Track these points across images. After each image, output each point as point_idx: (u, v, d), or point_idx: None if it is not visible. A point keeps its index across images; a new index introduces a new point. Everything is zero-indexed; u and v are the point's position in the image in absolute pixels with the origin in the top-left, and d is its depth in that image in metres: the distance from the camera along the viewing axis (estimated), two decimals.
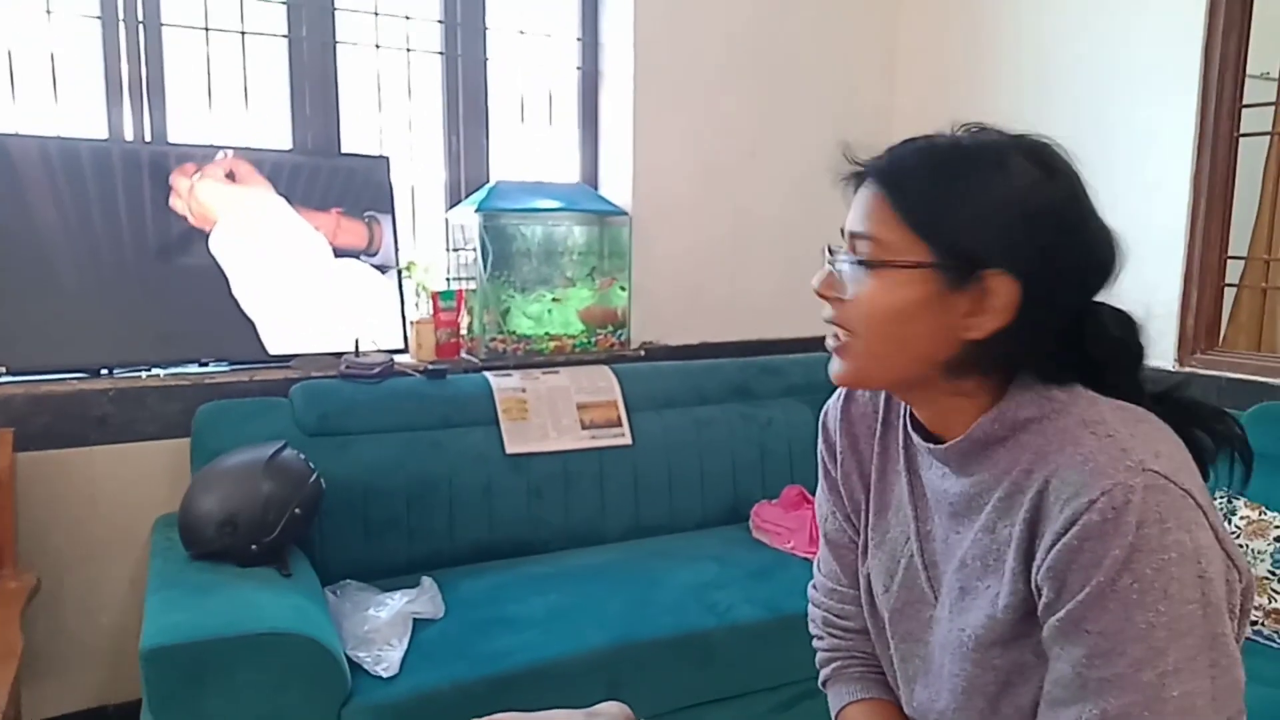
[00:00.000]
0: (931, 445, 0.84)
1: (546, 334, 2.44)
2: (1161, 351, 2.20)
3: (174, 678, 1.38)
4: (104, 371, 2.00)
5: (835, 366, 0.82)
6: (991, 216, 0.74)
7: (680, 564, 2.05)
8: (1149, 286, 2.22)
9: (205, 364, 2.12)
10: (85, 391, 1.94)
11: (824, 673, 1.03)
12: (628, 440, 2.27)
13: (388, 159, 2.35)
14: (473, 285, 2.38)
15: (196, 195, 2.09)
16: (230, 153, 2.14)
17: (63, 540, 1.94)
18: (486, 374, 2.24)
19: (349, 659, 1.59)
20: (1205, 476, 0.77)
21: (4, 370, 1.88)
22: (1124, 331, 0.79)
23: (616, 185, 2.63)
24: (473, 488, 2.10)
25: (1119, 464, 0.69)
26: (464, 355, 2.37)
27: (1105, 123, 2.32)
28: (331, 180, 2.25)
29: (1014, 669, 0.77)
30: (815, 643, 1.06)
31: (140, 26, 2.10)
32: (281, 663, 1.45)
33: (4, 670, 1.37)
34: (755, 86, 2.69)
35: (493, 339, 2.36)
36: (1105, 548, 0.67)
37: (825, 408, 1.00)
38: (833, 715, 1.01)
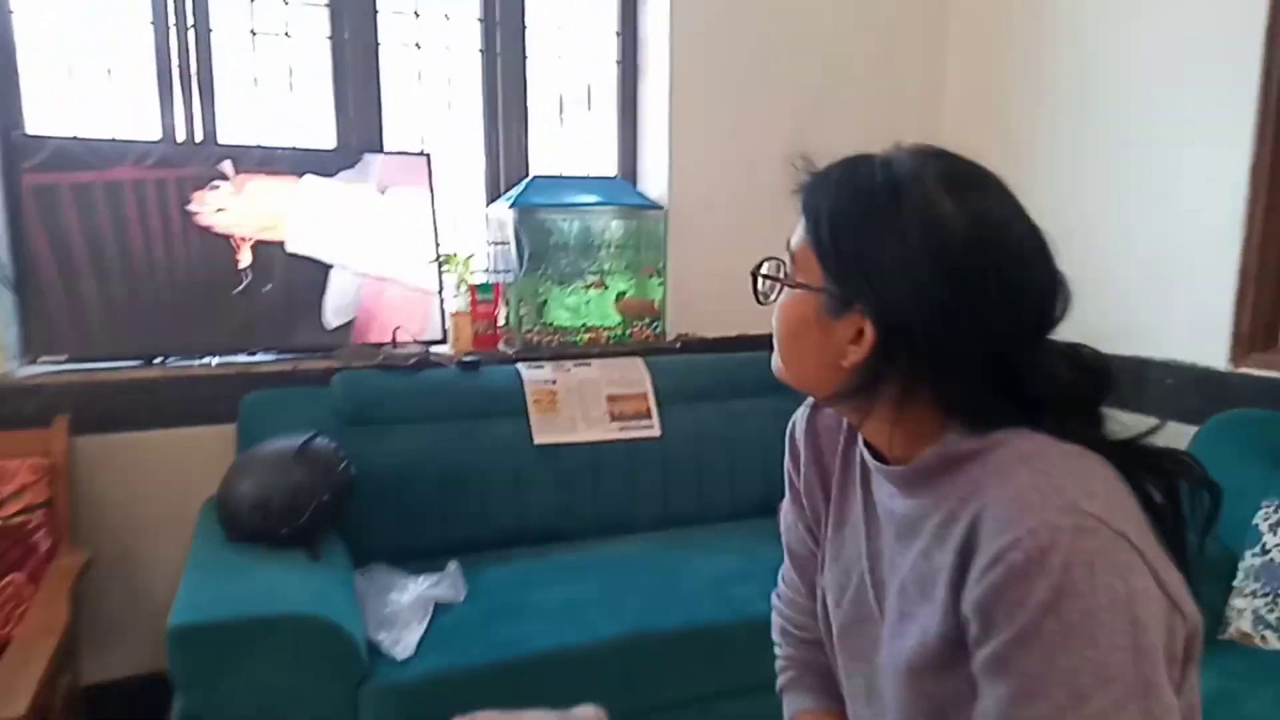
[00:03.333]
0: (879, 465, 0.84)
1: (584, 326, 2.47)
2: (1213, 353, 2.10)
3: (197, 654, 1.47)
4: (157, 360, 2.13)
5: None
6: (874, 261, 0.75)
7: (704, 556, 2.07)
8: (1201, 285, 2.12)
9: (253, 353, 2.23)
10: (139, 379, 2.06)
11: (780, 680, 1.06)
12: (657, 432, 2.29)
13: (429, 155, 2.42)
14: (511, 278, 2.42)
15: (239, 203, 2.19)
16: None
17: (120, 519, 2.07)
18: (518, 366, 2.29)
19: (369, 640, 1.67)
20: (1174, 520, 0.75)
21: (65, 358, 2.02)
22: (1077, 373, 0.77)
23: (654, 178, 2.64)
24: (503, 476, 2.15)
25: (1049, 502, 0.67)
26: (501, 347, 2.42)
27: (1155, 112, 2.21)
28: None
29: (948, 698, 0.76)
30: (775, 649, 1.07)
31: (191, 31, 2.21)
32: (299, 644, 1.53)
33: (45, 643, 1.48)
34: (795, 79, 2.65)
35: (528, 331, 2.40)
36: (1029, 589, 0.65)
37: (793, 418, 1.01)
38: None
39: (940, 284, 0.73)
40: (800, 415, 0.99)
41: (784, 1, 2.61)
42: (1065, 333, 0.78)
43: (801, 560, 1.02)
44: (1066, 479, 0.69)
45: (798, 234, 0.82)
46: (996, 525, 0.69)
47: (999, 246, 0.74)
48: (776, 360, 0.86)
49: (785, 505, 1.03)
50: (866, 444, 0.87)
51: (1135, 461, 0.75)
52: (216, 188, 2.17)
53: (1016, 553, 0.66)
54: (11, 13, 2.06)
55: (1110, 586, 0.64)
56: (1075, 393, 0.76)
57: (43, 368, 2.02)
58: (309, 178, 2.26)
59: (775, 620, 1.08)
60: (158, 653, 2.09)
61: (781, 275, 0.84)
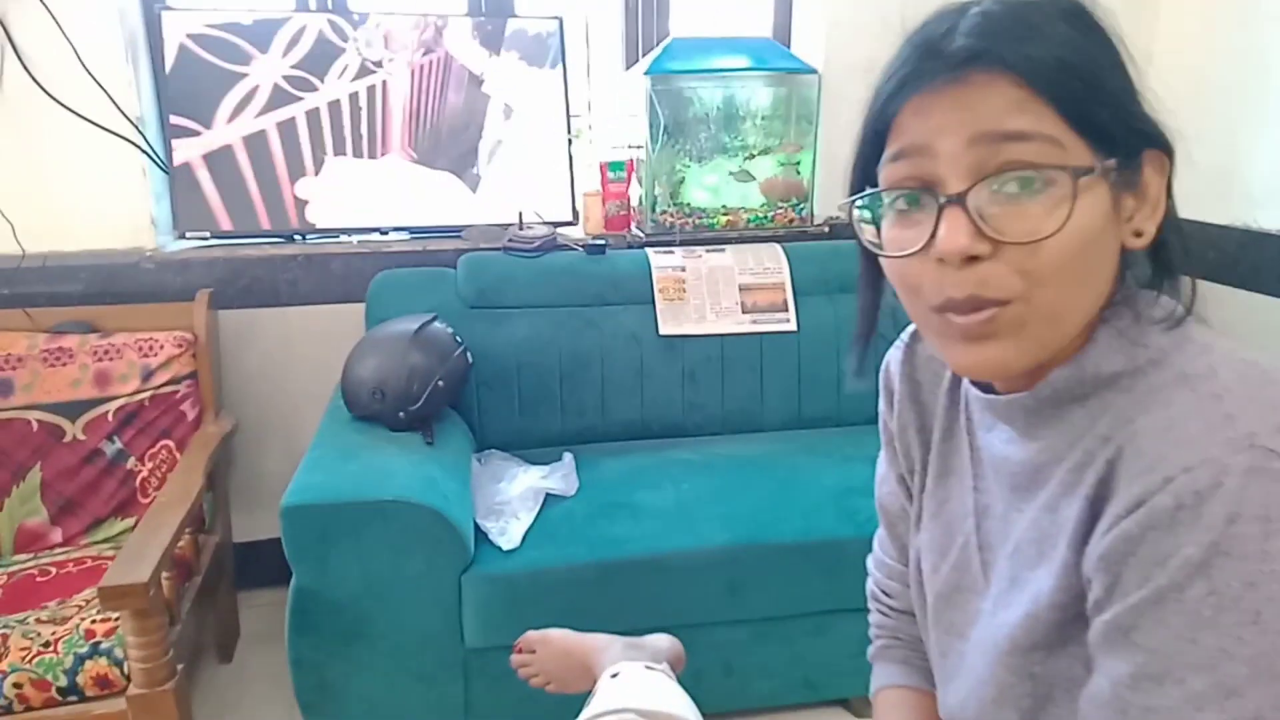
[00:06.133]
0: (989, 397, 0.67)
1: (722, 208, 2.30)
2: None
3: (307, 534, 1.51)
4: (295, 237, 2.16)
5: (1000, 352, 0.58)
6: (1124, 84, 0.58)
7: (832, 463, 1.92)
8: None
9: (386, 232, 2.22)
10: (277, 256, 2.11)
11: (870, 649, 0.94)
12: (792, 326, 2.12)
13: (560, 19, 2.26)
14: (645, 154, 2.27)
15: None
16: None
17: (266, 389, 2.16)
18: (648, 251, 2.16)
19: (477, 526, 1.67)
20: None
21: (208, 235, 2.08)
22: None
23: (809, 38, 2.36)
24: (625, 367, 2.07)
25: (1217, 433, 0.51)
26: (633, 229, 2.29)
27: None
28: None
29: (1057, 681, 0.62)
30: (869, 615, 0.95)
31: None
32: (405, 529, 1.54)
33: (176, 511, 1.57)
34: None
35: (662, 213, 2.26)
36: (1175, 542, 0.51)
37: (888, 353, 0.84)
38: (871, 693, 0.91)
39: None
40: (896, 348, 0.83)
41: None
42: None
43: (893, 517, 0.88)
44: (1247, 405, 0.52)
45: (1013, 111, 0.54)
46: (1142, 463, 0.54)
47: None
48: (1037, 330, 0.57)
49: (880, 456, 0.88)
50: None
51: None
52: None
53: (1164, 496, 0.51)
54: None
55: None
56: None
57: (190, 243, 2.09)
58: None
59: (869, 583, 0.96)
60: None
61: (1061, 170, 0.54)
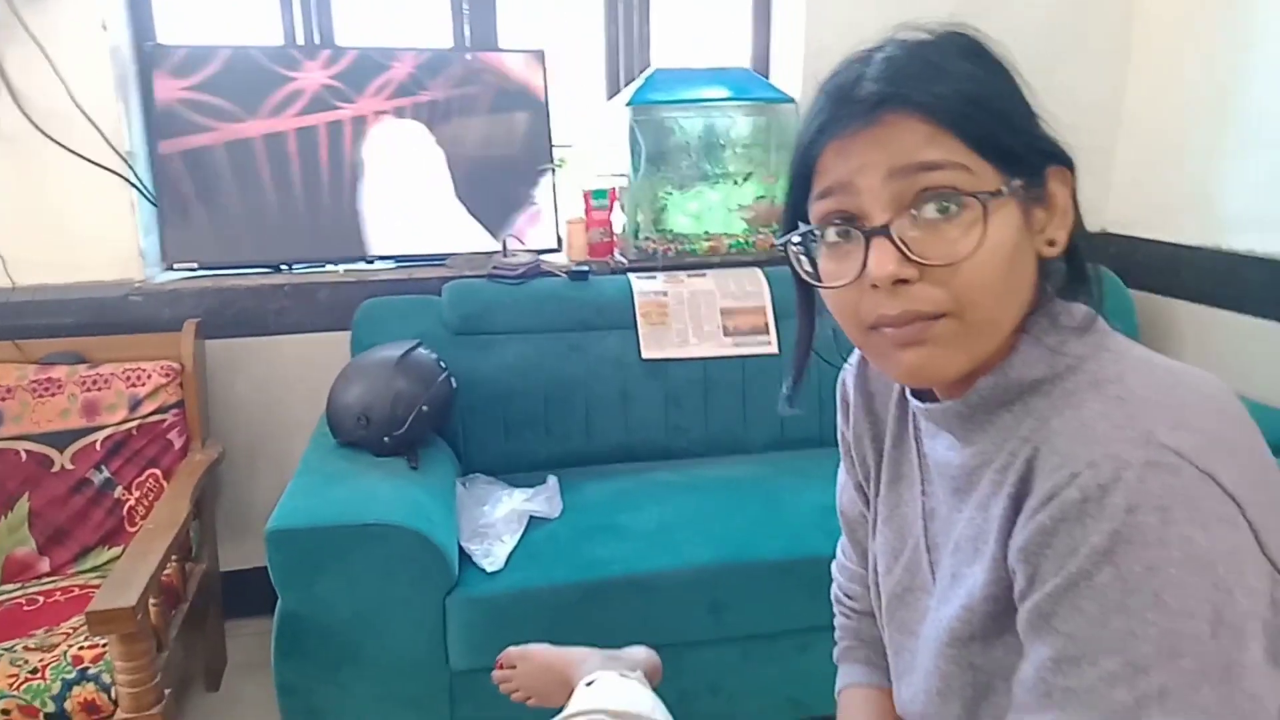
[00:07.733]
0: (927, 406, 0.71)
1: (705, 233, 2.34)
2: None
3: (293, 558, 1.52)
4: (283, 267, 2.19)
5: (930, 356, 0.63)
6: (1023, 109, 0.64)
7: (816, 482, 1.93)
8: None
9: (372, 261, 2.25)
10: (264, 286, 2.13)
11: (835, 650, 0.97)
12: (774, 349, 2.15)
13: (543, 52, 2.31)
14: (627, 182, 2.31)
15: None
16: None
17: (253, 418, 2.18)
18: (630, 276, 2.20)
19: (462, 549, 1.68)
20: None
21: (196, 266, 2.11)
22: None
23: (788, 68, 2.41)
24: (610, 391, 2.10)
25: (1119, 432, 0.56)
26: (616, 256, 2.33)
27: None
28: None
29: (996, 671, 0.66)
30: (834, 619, 0.98)
31: None
32: (389, 552, 1.55)
33: (163, 537, 1.58)
34: None
35: (646, 238, 2.30)
36: (1083, 532, 0.55)
37: (843, 368, 0.89)
38: (835, 693, 0.94)
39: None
40: (851, 361, 0.87)
41: None
42: None
43: (852, 523, 0.92)
44: (1147, 407, 0.58)
45: (927, 145, 0.60)
46: (1054, 460, 0.58)
47: None
48: (967, 342, 0.62)
49: (840, 467, 0.92)
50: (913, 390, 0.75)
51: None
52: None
53: (1071, 490, 0.56)
54: None
55: (1188, 539, 0.53)
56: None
57: (178, 274, 2.12)
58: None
59: (833, 587, 0.99)
60: None
61: (971, 196, 0.59)
